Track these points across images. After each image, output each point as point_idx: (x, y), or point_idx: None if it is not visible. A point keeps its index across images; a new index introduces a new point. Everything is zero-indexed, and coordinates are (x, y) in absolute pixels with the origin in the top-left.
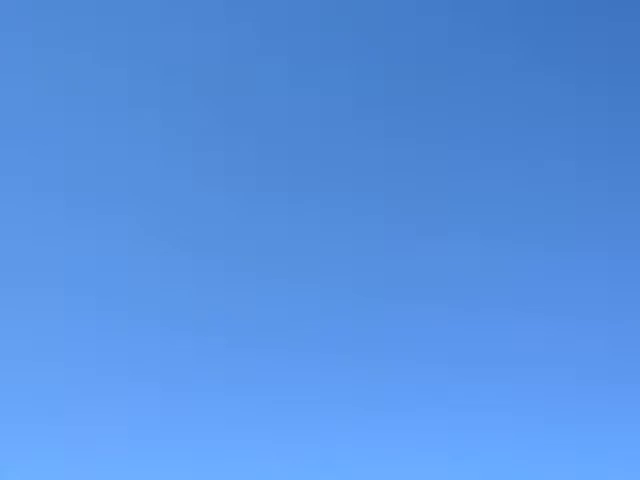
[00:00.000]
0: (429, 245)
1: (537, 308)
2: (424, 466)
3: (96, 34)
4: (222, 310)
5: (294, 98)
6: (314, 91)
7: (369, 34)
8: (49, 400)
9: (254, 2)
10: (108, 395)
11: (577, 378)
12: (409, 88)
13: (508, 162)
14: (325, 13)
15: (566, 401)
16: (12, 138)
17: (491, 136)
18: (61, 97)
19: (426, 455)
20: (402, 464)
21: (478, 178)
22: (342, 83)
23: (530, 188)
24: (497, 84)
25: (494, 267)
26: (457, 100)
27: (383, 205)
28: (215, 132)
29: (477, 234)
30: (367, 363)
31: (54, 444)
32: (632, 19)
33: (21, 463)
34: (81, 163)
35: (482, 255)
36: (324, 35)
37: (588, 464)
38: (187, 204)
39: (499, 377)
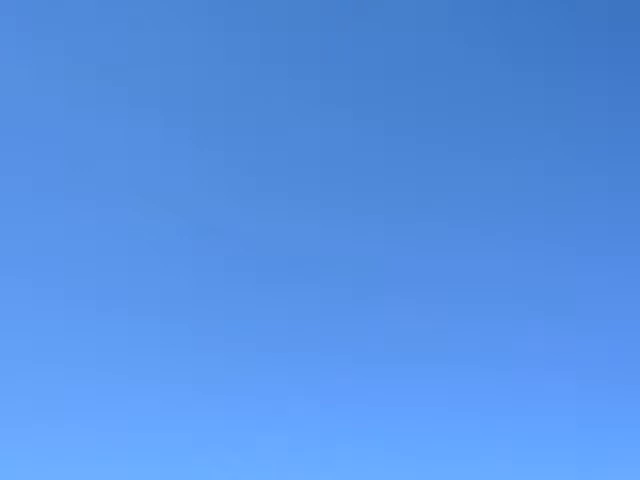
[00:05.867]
0: (429, 245)
1: (537, 308)
2: (425, 466)
3: (96, 35)
4: (222, 309)
5: (294, 98)
6: (314, 91)
7: (369, 34)
8: (49, 400)
9: (254, 2)
10: (107, 395)
11: (577, 378)
12: (409, 88)
13: (507, 162)
14: (325, 13)
15: (566, 401)
16: (12, 137)
17: (492, 136)
18: (62, 97)
19: (427, 455)
20: (403, 464)
21: (478, 177)
22: (342, 83)
23: (531, 188)
24: (497, 84)
25: (495, 267)
26: (457, 100)
27: (383, 205)
28: (215, 132)
29: (476, 234)
30: (367, 363)
31: (54, 444)
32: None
33: (21, 463)
34: (81, 162)
35: (482, 255)
36: (324, 35)
37: (588, 464)
38: (187, 203)
39: (499, 377)
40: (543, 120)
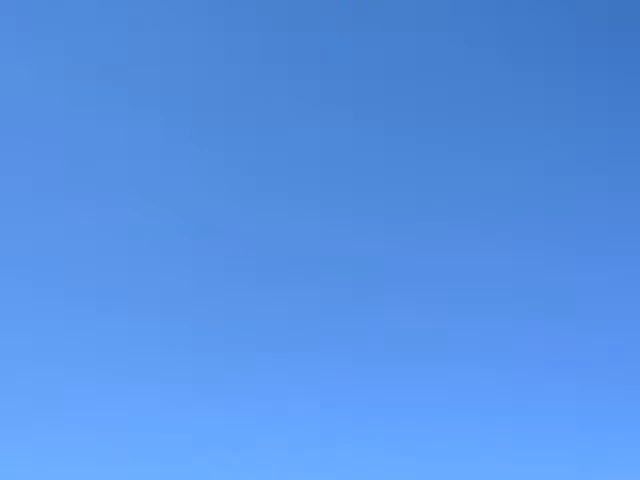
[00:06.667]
0: (429, 245)
1: (537, 308)
2: (425, 466)
3: (96, 35)
4: (222, 309)
5: (294, 98)
6: (314, 91)
7: (369, 34)
8: (49, 400)
9: (254, 2)
10: (107, 394)
11: (577, 378)
12: (409, 88)
13: (507, 162)
14: (325, 13)
15: (566, 401)
16: (12, 137)
17: (492, 136)
18: (62, 97)
19: (427, 455)
20: (403, 464)
21: (478, 177)
22: (342, 83)
23: (531, 188)
24: (497, 84)
25: (495, 267)
26: (457, 100)
27: (383, 205)
28: (215, 132)
29: (476, 234)
30: (367, 363)
31: (54, 444)
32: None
33: (21, 463)
34: (81, 162)
35: (482, 255)
36: (324, 35)
37: (588, 464)
38: (187, 203)
39: (499, 377)
40: (543, 120)
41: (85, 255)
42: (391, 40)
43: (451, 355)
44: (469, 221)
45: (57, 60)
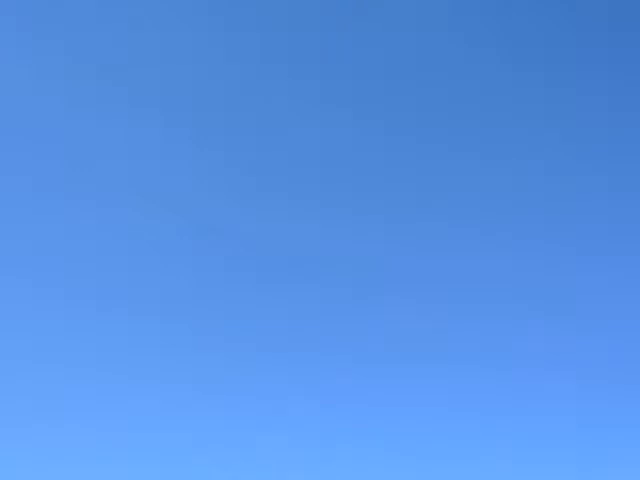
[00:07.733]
0: (429, 245)
1: (537, 308)
2: (425, 466)
3: (96, 35)
4: (222, 309)
5: (294, 98)
6: (314, 91)
7: (369, 34)
8: (49, 400)
9: (254, 2)
10: (107, 394)
11: (577, 378)
12: (409, 88)
13: (507, 162)
14: (325, 13)
15: (566, 401)
16: (12, 137)
17: (492, 136)
18: (62, 97)
19: (427, 455)
20: (403, 464)
21: (478, 177)
22: (342, 83)
23: (531, 188)
24: (497, 84)
25: (495, 267)
26: (457, 100)
27: (383, 205)
28: (215, 132)
29: (476, 234)
30: (367, 363)
31: (54, 444)
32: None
33: (21, 463)
34: (81, 162)
35: (482, 255)
36: (324, 35)
37: (588, 464)
38: (187, 203)
39: (499, 377)
40: (543, 120)
41: (85, 255)
42: (391, 40)
43: (451, 355)
44: (469, 221)
45: (57, 60)
